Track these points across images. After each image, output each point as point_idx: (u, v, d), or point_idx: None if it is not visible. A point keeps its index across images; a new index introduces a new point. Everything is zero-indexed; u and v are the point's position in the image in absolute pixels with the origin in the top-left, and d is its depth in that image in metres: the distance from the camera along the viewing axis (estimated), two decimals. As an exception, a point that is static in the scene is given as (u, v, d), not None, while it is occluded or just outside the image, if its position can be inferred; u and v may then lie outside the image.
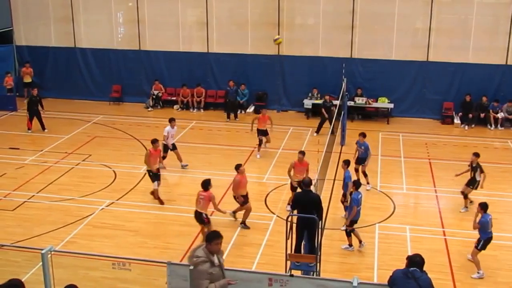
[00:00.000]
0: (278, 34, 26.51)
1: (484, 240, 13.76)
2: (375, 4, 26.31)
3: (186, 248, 14.77)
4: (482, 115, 25.60)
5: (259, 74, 27.62)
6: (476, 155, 17.17)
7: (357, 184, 15.06)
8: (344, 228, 15.14)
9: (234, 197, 16.12)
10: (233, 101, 26.52)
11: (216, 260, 8.76)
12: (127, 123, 25.62)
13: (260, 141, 21.56)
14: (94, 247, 14.67)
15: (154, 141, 17.76)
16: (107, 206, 17.28)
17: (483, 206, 13.78)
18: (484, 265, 14.19)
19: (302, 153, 16.82)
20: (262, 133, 21.58)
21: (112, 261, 9.65)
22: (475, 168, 17.04)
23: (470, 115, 25.48)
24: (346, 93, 23.06)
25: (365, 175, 18.74)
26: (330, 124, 23.28)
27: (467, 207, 17.33)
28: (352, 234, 14.85)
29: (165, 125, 20.49)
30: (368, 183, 18.68)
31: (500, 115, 25.48)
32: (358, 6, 26.22)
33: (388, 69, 26.38)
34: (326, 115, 23.93)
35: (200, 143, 22.61)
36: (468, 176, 17.26)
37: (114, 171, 19.89)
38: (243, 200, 16.01)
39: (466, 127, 25.56)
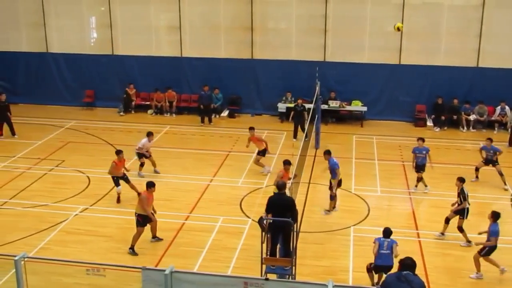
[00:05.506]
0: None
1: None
2: (347, 8, 26.46)
3: (161, 253, 14.72)
4: (454, 117, 25.91)
5: (233, 78, 27.59)
6: (460, 180, 15.50)
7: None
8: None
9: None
10: (207, 105, 26.45)
11: None
12: (100, 128, 25.38)
13: (257, 160, 20.40)
14: (68, 253, 14.49)
15: (118, 152, 17.78)
16: (80, 212, 17.10)
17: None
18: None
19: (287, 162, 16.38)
20: (262, 153, 20.35)
21: (86, 267, 9.56)
22: (459, 194, 15.47)
23: (443, 117, 25.73)
24: (320, 96, 23.13)
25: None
26: (302, 128, 23.39)
27: (469, 241, 15.22)
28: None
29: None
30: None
31: (472, 117, 25.77)
32: (330, 10, 26.38)
33: (361, 72, 26.54)
34: (291, 119, 24.29)
35: (173, 147, 22.47)
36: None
37: (88, 177, 19.69)
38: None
39: (438, 129, 25.82)
